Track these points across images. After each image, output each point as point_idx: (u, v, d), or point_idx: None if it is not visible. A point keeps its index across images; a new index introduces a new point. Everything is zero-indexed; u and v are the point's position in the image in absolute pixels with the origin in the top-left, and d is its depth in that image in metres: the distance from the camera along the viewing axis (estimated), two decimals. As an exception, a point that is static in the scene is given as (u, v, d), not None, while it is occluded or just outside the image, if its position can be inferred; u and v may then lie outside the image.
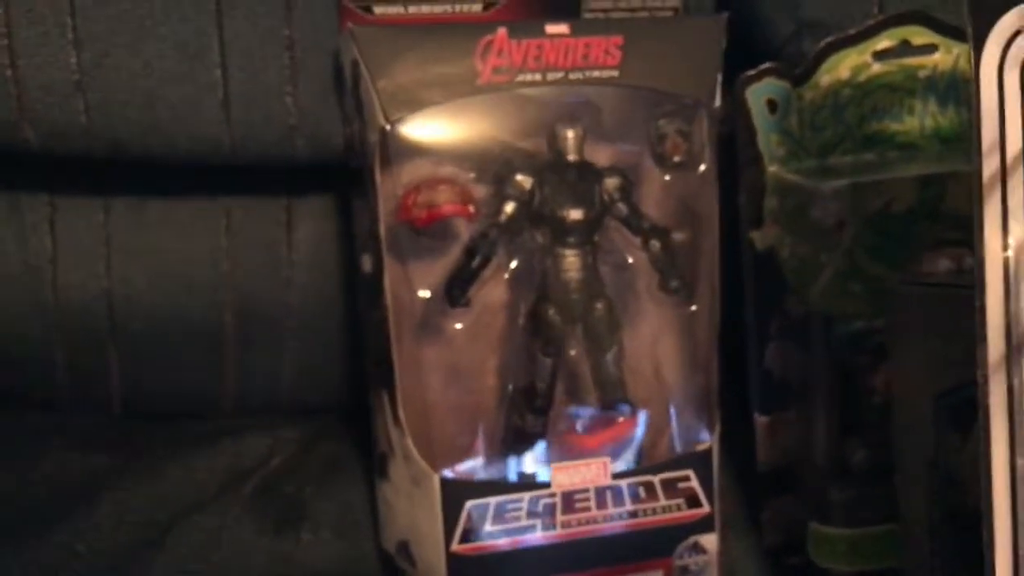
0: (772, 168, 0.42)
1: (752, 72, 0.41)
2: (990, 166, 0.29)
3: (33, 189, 0.42)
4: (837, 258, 0.42)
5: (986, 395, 0.29)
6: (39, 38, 0.36)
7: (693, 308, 0.38)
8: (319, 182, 0.43)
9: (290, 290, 0.43)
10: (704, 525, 0.38)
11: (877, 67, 0.42)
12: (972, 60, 0.29)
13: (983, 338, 0.29)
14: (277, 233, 0.43)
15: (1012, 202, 0.29)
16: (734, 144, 0.42)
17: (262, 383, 0.45)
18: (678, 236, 0.37)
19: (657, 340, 0.39)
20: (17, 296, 0.42)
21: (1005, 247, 0.29)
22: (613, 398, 0.38)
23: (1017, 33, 0.29)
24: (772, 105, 0.42)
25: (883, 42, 0.41)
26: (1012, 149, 0.29)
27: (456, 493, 0.35)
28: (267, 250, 0.43)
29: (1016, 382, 0.30)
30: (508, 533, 0.36)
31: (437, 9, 0.38)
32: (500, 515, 0.36)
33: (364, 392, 0.41)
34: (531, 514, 0.36)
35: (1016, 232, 0.29)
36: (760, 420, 0.43)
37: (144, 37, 0.37)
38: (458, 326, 0.38)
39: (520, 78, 0.36)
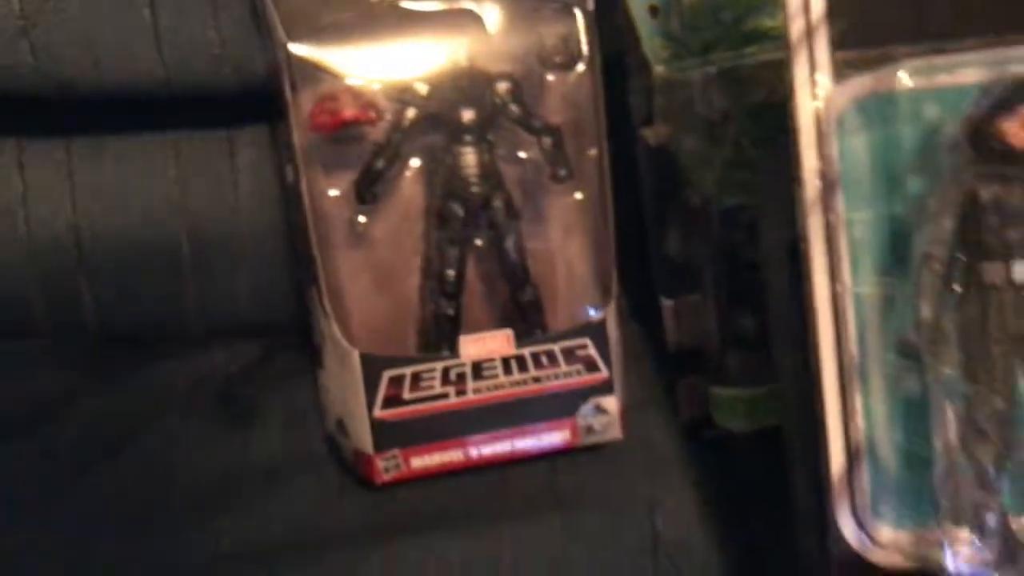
0: (658, 68, 0.45)
1: (631, -22, 0.45)
2: (796, 26, 0.33)
3: (2, 134, 0.47)
4: (725, 150, 0.46)
5: (805, 229, 0.33)
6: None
7: (579, 195, 0.42)
8: (256, 113, 0.47)
9: (238, 214, 0.48)
10: (604, 388, 0.42)
11: (750, -32, 0.45)
12: (774, -67, 0.33)
13: (799, 180, 0.33)
14: (221, 162, 0.47)
15: (819, 57, 0.33)
16: (623, 53, 0.47)
17: (221, 303, 0.49)
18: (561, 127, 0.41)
19: (558, 227, 0.43)
20: (-8, 232, 0.48)
21: (815, 97, 0.33)
22: (514, 280, 0.42)
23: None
24: (654, 11, 0.45)
25: (751, -54, 0.45)
26: (815, 10, 0.33)
27: (374, 364, 0.40)
28: (213, 179, 0.47)
29: (831, 216, 0.33)
30: (424, 400, 0.41)
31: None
32: (416, 383, 0.41)
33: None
34: (444, 382, 0.41)
35: (823, 84, 0.33)
36: (666, 304, 0.47)
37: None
38: (374, 228, 0.42)
39: (407, -5, 0.40)
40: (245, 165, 0.48)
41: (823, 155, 0.33)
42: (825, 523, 0.35)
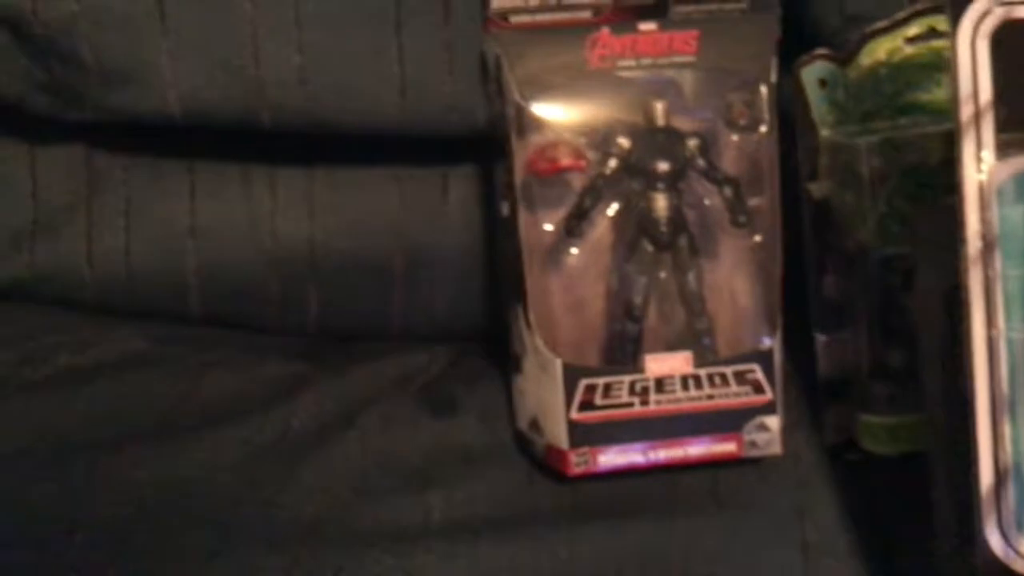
0: (824, 132, 0.52)
1: (806, 56, 0.52)
2: (966, 110, 0.39)
3: (259, 161, 0.56)
4: (880, 204, 0.51)
5: (966, 283, 0.39)
6: (275, 48, 0.50)
7: (757, 238, 0.49)
8: (466, 156, 0.55)
9: (445, 238, 0.56)
10: (768, 409, 0.48)
11: (909, 49, 0.51)
12: (951, 32, 0.38)
13: (963, 240, 0.39)
14: (435, 194, 0.56)
15: (984, 138, 0.39)
16: (793, 117, 0.53)
17: (421, 313, 0.57)
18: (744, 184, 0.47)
19: (732, 265, 0.50)
20: (244, 243, 0.56)
21: (979, 171, 0.39)
22: (692, 309, 0.49)
23: (986, 13, 0.39)
24: (823, 83, 0.52)
25: (913, 29, 0.51)
26: (983, 98, 0.39)
27: (573, 373, 0.47)
28: (428, 208, 0.56)
29: (990, 272, 0.39)
30: (613, 407, 0.48)
31: (558, 16, 0.49)
32: (608, 392, 0.47)
33: (502, 317, 0.53)
34: (631, 392, 0.48)
35: (987, 160, 0.39)
36: (820, 339, 0.53)
37: (346, 45, 0.50)
38: (575, 255, 0.50)
39: (620, 64, 0.48)
40: (455, 199, 0.56)
41: (984, 220, 0.39)
42: (966, 536, 0.40)
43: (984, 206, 0.39)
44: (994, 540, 0.38)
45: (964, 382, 0.39)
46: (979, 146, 0.39)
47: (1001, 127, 0.39)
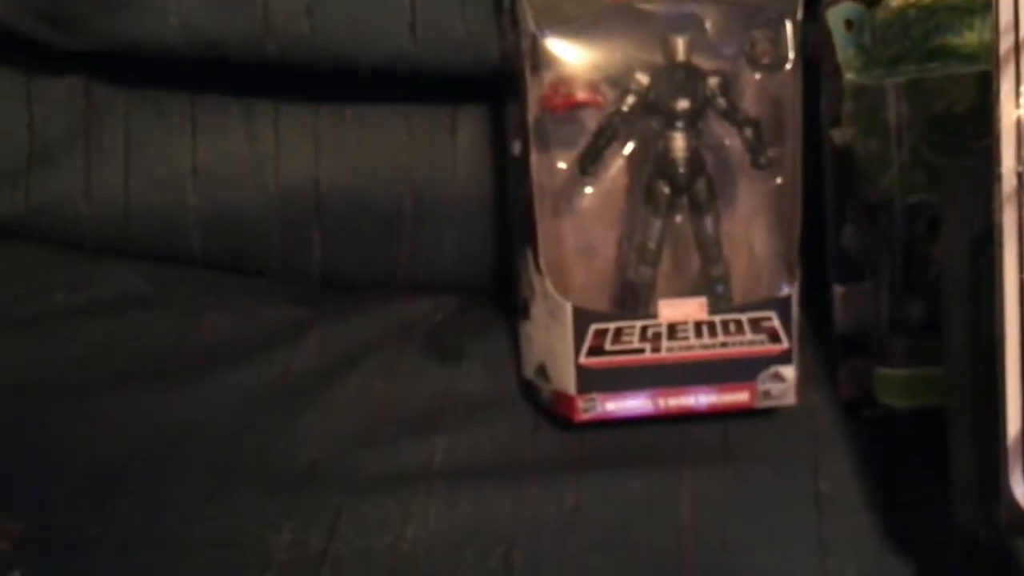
0: (848, 76, 0.50)
1: (832, -3, 0.50)
2: (1006, 42, 0.37)
3: (262, 98, 0.54)
4: (904, 152, 0.50)
5: (1000, 221, 0.37)
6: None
7: (779, 181, 0.48)
8: (476, 96, 0.54)
9: (453, 182, 0.54)
10: (783, 358, 0.47)
11: (940, -9, 0.49)
12: (992, -40, 0.37)
13: (998, 176, 0.37)
14: (444, 135, 0.54)
15: (1023, 71, 0.37)
16: (818, 61, 0.51)
17: (427, 259, 0.56)
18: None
19: (750, 210, 0.49)
20: (246, 182, 0.55)
21: (1017, 106, 0.37)
22: (708, 255, 0.47)
23: (1030, -61, 0.37)
24: (849, 24, 0.50)
25: (946, -31, 0.49)
26: (1024, 29, 0.37)
27: (584, 318, 0.46)
28: (436, 149, 0.54)
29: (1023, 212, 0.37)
30: (624, 352, 0.46)
31: (576, -51, 0.48)
32: (618, 338, 0.46)
33: (511, 262, 0.52)
34: (642, 338, 0.46)
35: (1026, 94, 0.37)
36: (837, 290, 0.52)
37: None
38: (588, 196, 0.48)
39: (639, -3, 0.46)
40: (464, 140, 0.55)
41: (1021, 157, 0.37)
42: (987, 489, 0.39)
43: (1021, 143, 0.37)
44: (1020, 490, 0.37)
45: (992, 327, 0.38)
46: (1019, 79, 0.37)
47: (1040, 60, 0.37)
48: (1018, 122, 0.37)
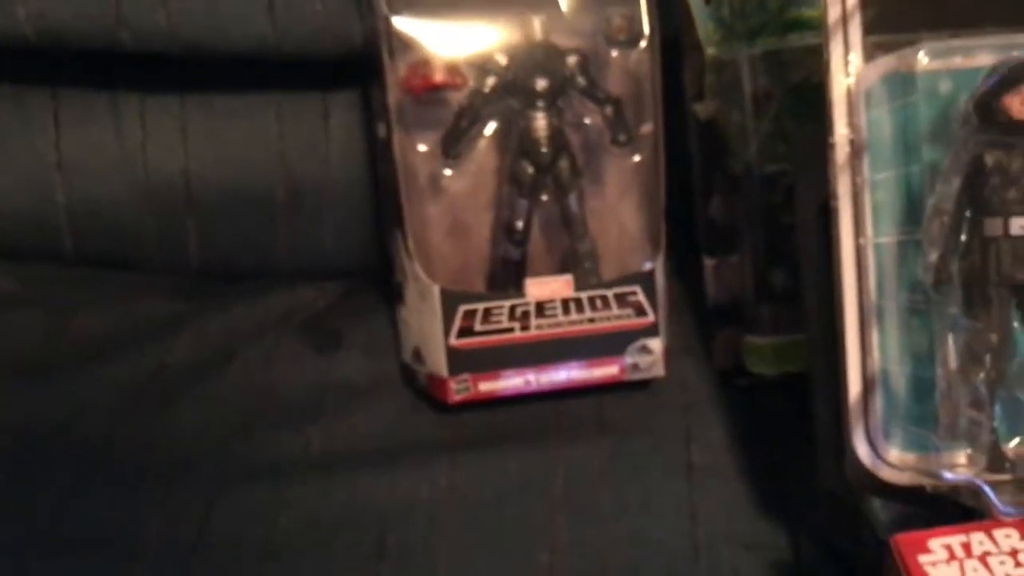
0: (709, 50, 0.50)
1: (689, -29, 0.50)
2: (834, 12, 0.38)
3: (127, 89, 0.53)
4: (766, 123, 0.50)
5: (835, 188, 0.38)
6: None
7: (637, 159, 0.48)
8: (347, 77, 0.53)
9: (328, 167, 0.54)
10: (650, 331, 0.47)
11: (794, -37, 0.50)
12: (818, -68, 0.38)
13: (832, 145, 0.38)
14: (316, 121, 0.54)
15: (852, 39, 0.38)
16: (678, 35, 0.52)
17: (309, 246, 0.56)
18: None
19: (617, 187, 0.49)
20: (115, 176, 0.54)
21: (847, 74, 0.38)
22: (574, 232, 0.48)
23: (851, -87, 0.38)
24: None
25: (798, -58, 0.50)
26: (851, 0, 0.38)
27: (452, 299, 0.46)
28: (308, 135, 0.54)
29: (859, 179, 0.38)
30: (493, 332, 0.46)
31: (433, -73, 0.48)
32: (487, 318, 0.46)
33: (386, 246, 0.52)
34: (511, 317, 0.46)
35: (855, 62, 0.38)
36: (708, 262, 0.53)
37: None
38: (454, 181, 0.48)
39: (494, -24, 0.46)
40: (336, 124, 0.54)
41: (852, 125, 0.38)
42: (843, 448, 0.40)
43: (852, 110, 0.38)
44: (862, 450, 0.38)
45: (833, 292, 0.39)
46: (847, 48, 0.38)
47: (869, 29, 0.38)
48: (848, 91, 0.38)
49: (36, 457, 0.46)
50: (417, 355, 0.49)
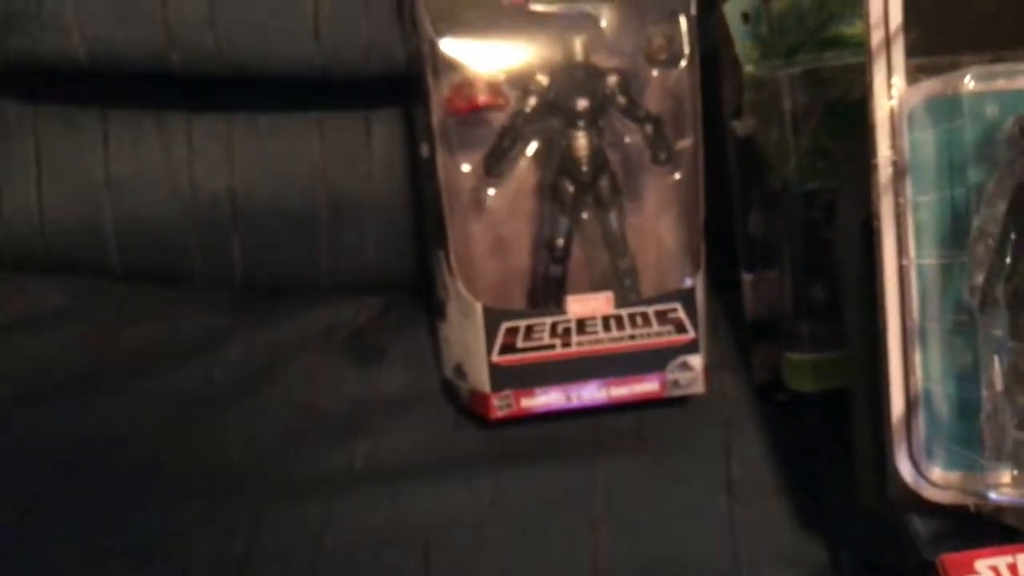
0: (748, 68, 0.51)
1: (729, -10, 0.51)
2: (877, 36, 0.38)
3: (174, 108, 0.54)
4: (805, 140, 0.51)
5: (878, 209, 0.39)
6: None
7: (677, 176, 0.49)
8: (390, 97, 0.54)
9: (370, 183, 0.55)
10: (690, 348, 0.48)
11: (832, -19, 0.51)
12: (861, -43, 0.38)
13: (875, 167, 0.39)
14: (358, 138, 0.55)
15: (895, 62, 0.38)
16: (717, 53, 0.52)
17: (350, 261, 0.56)
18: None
19: (656, 204, 0.50)
20: (162, 193, 0.55)
21: (890, 97, 0.38)
22: (615, 249, 0.48)
23: (897, -64, 0.38)
24: (746, 17, 0.51)
25: (837, -40, 0.50)
26: (893, 23, 0.38)
27: (494, 317, 0.47)
28: (351, 153, 0.55)
29: (901, 200, 0.39)
30: (535, 349, 0.47)
31: (476, -47, 0.48)
32: (529, 335, 0.47)
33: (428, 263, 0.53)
34: (553, 334, 0.47)
35: (897, 85, 0.38)
36: (746, 277, 0.53)
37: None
38: (496, 199, 0.49)
39: (534, -1, 0.47)
40: (378, 142, 0.55)
41: (895, 146, 0.38)
42: (884, 466, 0.40)
43: (895, 132, 0.38)
44: (905, 468, 0.38)
45: (876, 312, 0.39)
46: (890, 71, 0.38)
47: (911, 52, 0.38)
48: (891, 112, 0.39)
49: (87, 472, 0.47)
50: (459, 371, 0.49)
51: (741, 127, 0.52)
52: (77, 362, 0.52)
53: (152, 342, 0.53)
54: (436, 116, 0.47)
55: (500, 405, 0.47)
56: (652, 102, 0.48)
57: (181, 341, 0.54)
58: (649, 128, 0.48)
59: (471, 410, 0.49)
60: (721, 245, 0.53)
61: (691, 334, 0.48)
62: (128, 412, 0.49)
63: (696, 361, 0.48)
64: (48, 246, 0.55)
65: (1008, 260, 0.35)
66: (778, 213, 0.51)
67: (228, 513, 0.45)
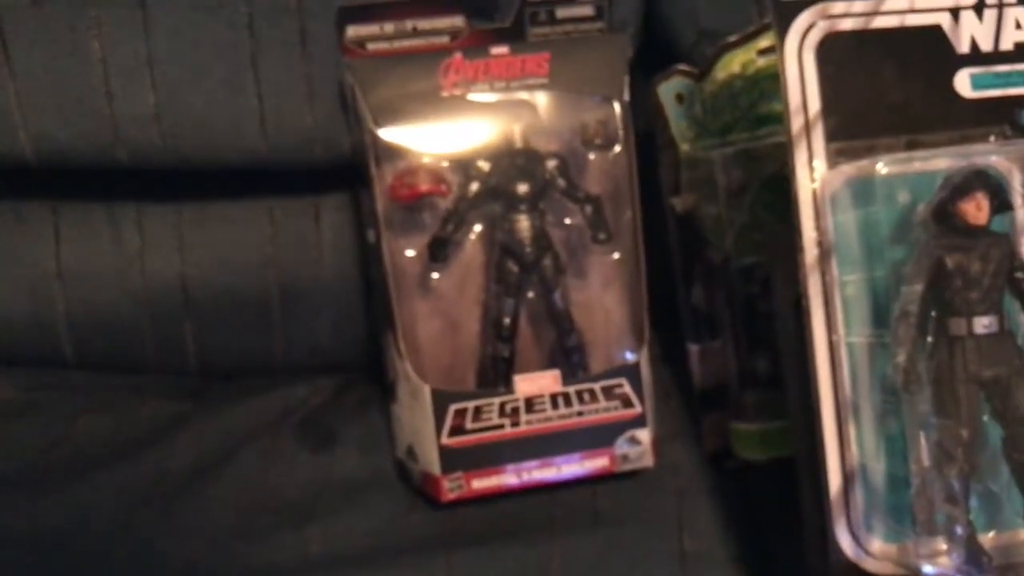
0: (684, 147, 0.52)
1: (662, 73, 0.52)
2: (797, 122, 0.40)
3: (124, 200, 0.55)
4: (742, 215, 0.52)
5: (806, 288, 0.40)
6: (127, 86, 0.50)
7: (616, 255, 0.50)
8: (338, 182, 0.55)
9: (321, 267, 0.56)
10: (637, 422, 0.49)
11: (761, 61, 0.52)
12: (778, 46, 0.39)
13: (800, 248, 0.40)
14: (308, 223, 0.56)
15: (815, 147, 0.40)
16: (653, 133, 0.54)
17: (303, 344, 0.57)
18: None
19: (601, 281, 0.51)
20: (113, 283, 0.55)
21: (812, 180, 0.40)
22: (561, 327, 0.49)
23: (810, 27, 0.40)
24: (680, 98, 0.53)
25: (764, 42, 0.52)
26: (812, 109, 0.40)
27: (442, 399, 0.47)
28: (301, 238, 0.56)
29: (827, 278, 0.40)
30: (484, 430, 0.47)
31: (415, 43, 0.50)
32: (478, 416, 0.47)
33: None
34: (501, 414, 0.48)
35: (819, 169, 0.40)
36: (692, 348, 0.54)
37: (201, 80, 0.50)
38: (442, 282, 0.50)
39: (473, 88, 0.48)
40: (328, 226, 0.56)
41: (820, 227, 0.39)
42: (826, 537, 0.41)
43: (819, 213, 0.39)
44: (845, 541, 0.39)
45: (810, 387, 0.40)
46: (811, 156, 0.40)
47: (831, 136, 0.40)
48: (814, 195, 0.40)
49: (38, 569, 0.47)
50: (411, 452, 0.50)
51: (680, 204, 0.53)
52: (29, 455, 0.52)
53: (106, 433, 0.53)
54: (380, 203, 0.48)
55: (451, 487, 0.47)
56: (591, 183, 0.50)
57: (135, 431, 0.54)
58: (588, 209, 0.49)
59: (423, 492, 0.49)
60: (669, 317, 0.54)
61: (638, 408, 0.48)
62: (80, 506, 0.49)
63: (644, 435, 0.49)
64: (1, 340, 0.56)
65: (929, 338, 0.36)
66: (719, 286, 0.52)
67: (181, 608, 0.45)
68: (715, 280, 0.52)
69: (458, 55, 0.48)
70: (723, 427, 0.53)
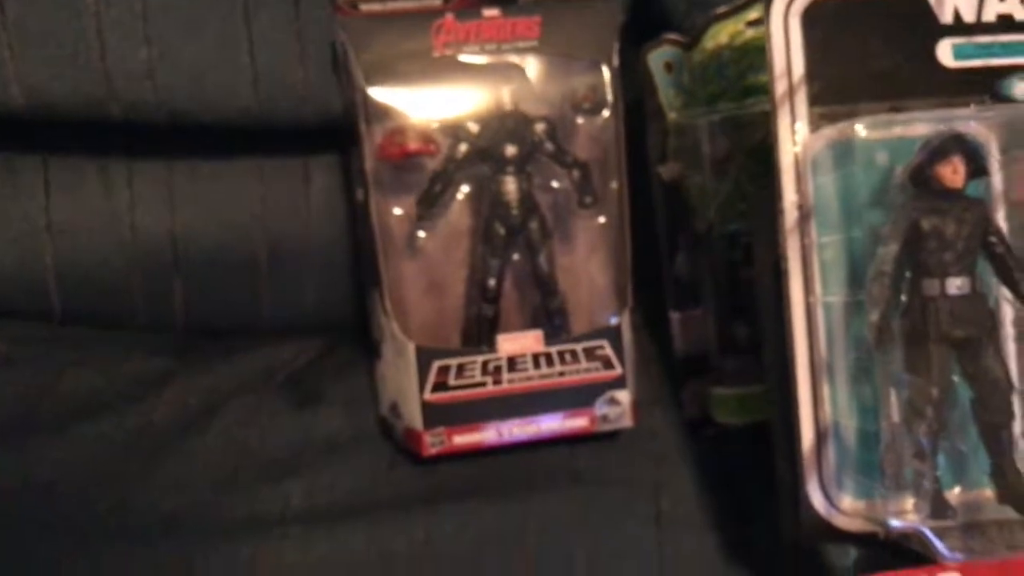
0: (671, 115, 0.53)
1: (652, 42, 0.53)
2: (781, 86, 0.41)
3: (116, 155, 0.55)
4: (727, 184, 0.53)
5: (785, 250, 0.40)
6: (121, 40, 0.50)
7: (602, 220, 0.50)
8: (328, 143, 0.55)
9: (309, 229, 0.56)
10: (618, 383, 0.49)
11: (750, 32, 0.52)
12: (764, 11, 0.40)
13: (780, 210, 0.40)
14: (297, 184, 0.56)
15: (798, 111, 0.41)
16: (642, 101, 0.54)
17: (291, 304, 0.57)
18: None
19: (587, 246, 0.51)
20: (104, 238, 0.55)
21: (795, 143, 0.40)
22: (545, 289, 0.50)
23: (797, -9, 0.41)
24: (669, 67, 0.53)
25: (753, 13, 0.52)
26: (796, 74, 0.40)
27: (426, 356, 0.48)
28: (290, 197, 0.56)
29: (807, 241, 0.40)
30: (467, 387, 0.48)
31: (408, 4, 0.50)
32: (461, 373, 0.48)
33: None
34: (484, 372, 0.48)
35: (801, 132, 0.40)
36: (674, 316, 0.55)
37: (195, 36, 0.50)
38: (429, 242, 0.50)
39: (464, 50, 0.48)
40: (317, 187, 0.57)
41: (800, 190, 0.40)
42: (799, 496, 0.42)
43: (800, 177, 0.40)
44: (816, 498, 0.40)
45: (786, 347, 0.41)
46: (793, 119, 0.40)
47: (814, 101, 0.41)
48: (795, 158, 0.41)
49: (24, 519, 0.47)
50: (394, 409, 0.50)
51: (666, 172, 0.54)
52: (14, 408, 0.52)
53: (91, 387, 0.53)
54: (369, 162, 0.49)
55: (433, 442, 0.48)
56: (579, 148, 0.50)
57: (120, 385, 0.54)
58: (576, 173, 0.50)
59: (406, 448, 0.50)
60: (652, 285, 0.55)
61: (618, 370, 0.49)
62: (64, 458, 0.50)
63: (624, 396, 0.49)
64: (-12, 291, 0.56)
65: (903, 297, 0.37)
66: (702, 254, 0.53)
67: (161, 560, 0.45)
68: (699, 248, 0.52)
69: (450, 16, 0.48)
70: (702, 395, 0.53)
